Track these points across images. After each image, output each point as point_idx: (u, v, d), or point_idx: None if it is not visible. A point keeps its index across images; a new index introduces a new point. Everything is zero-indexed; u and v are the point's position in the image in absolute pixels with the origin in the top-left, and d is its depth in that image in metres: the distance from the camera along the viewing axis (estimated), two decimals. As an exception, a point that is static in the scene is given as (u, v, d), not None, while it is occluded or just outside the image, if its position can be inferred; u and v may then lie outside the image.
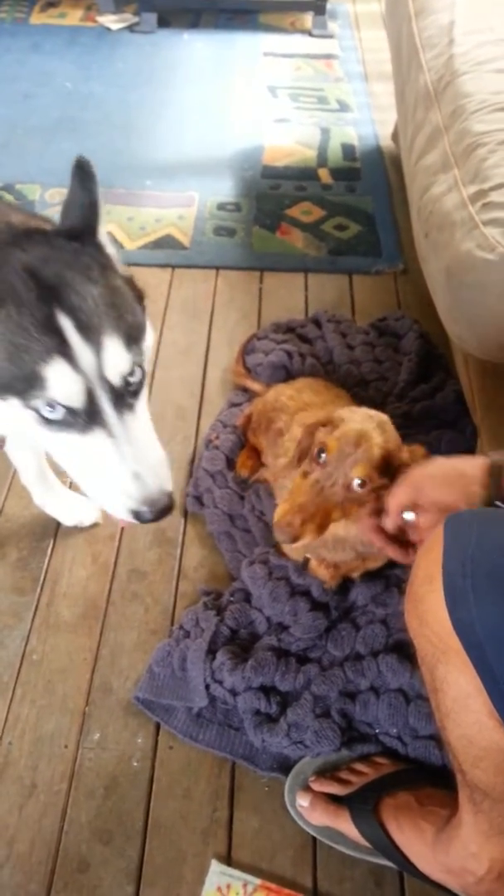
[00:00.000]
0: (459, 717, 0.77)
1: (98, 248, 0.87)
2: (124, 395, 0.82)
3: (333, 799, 1.11)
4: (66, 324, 0.78)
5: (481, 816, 0.87)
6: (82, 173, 0.87)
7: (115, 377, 0.81)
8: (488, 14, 1.71)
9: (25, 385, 0.78)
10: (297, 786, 1.14)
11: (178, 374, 1.78)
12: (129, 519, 0.84)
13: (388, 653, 1.20)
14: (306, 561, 1.28)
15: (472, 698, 0.72)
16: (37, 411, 0.79)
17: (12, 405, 0.79)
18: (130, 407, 0.84)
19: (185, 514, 1.51)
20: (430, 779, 1.10)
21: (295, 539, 0.98)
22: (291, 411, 1.40)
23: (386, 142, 2.51)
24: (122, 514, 0.84)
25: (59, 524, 1.48)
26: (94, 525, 1.48)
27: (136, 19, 3.16)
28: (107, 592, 1.39)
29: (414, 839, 1.03)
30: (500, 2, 1.74)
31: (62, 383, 0.78)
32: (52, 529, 1.48)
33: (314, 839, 1.11)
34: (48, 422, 0.80)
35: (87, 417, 0.80)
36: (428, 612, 0.75)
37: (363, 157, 2.47)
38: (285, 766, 1.17)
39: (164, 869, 1.09)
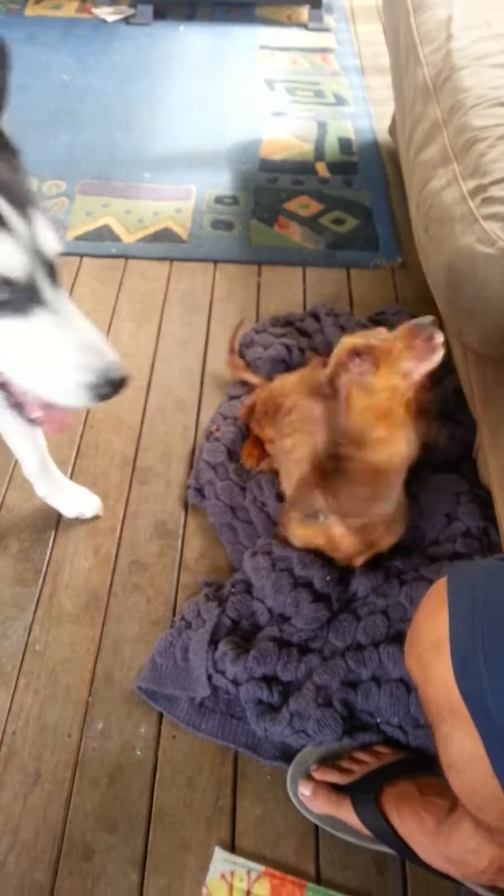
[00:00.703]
0: (463, 773, 0.77)
1: (3, 134, 0.88)
2: (56, 275, 0.80)
3: (335, 788, 1.12)
4: None
5: (482, 828, 0.88)
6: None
7: (49, 251, 0.80)
8: (486, 9, 1.71)
9: None
10: (299, 774, 1.15)
11: (177, 366, 1.78)
12: (84, 401, 0.80)
13: (389, 643, 1.21)
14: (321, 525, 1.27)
15: (476, 760, 0.71)
16: None
17: None
18: (61, 288, 0.81)
19: (186, 505, 1.51)
20: (431, 768, 1.11)
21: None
22: (300, 391, 1.40)
23: (382, 135, 2.52)
24: (77, 396, 0.80)
25: (60, 516, 1.48)
26: (96, 517, 1.48)
27: (131, 11, 3.15)
28: (108, 584, 1.39)
29: (415, 829, 1.04)
30: (498, -3, 1.75)
31: (6, 253, 0.76)
32: (54, 521, 1.48)
33: (317, 827, 1.12)
34: None
35: (27, 296, 0.78)
36: (435, 677, 0.73)
37: (360, 150, 2.47)
38: (287, 754, 1.18)
39: (168, 857, 1.10)
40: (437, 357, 1.06)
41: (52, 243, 0.81)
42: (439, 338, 1.04)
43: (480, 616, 0.69)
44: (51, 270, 0.80)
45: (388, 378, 1.07)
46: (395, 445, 1.13)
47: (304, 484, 1.25)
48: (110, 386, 0.79)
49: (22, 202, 0.79)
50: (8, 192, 0.79)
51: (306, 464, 1.23)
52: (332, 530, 1.25)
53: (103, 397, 0.80)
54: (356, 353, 1.07)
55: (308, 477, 1.23)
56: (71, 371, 0.78)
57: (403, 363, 1.06)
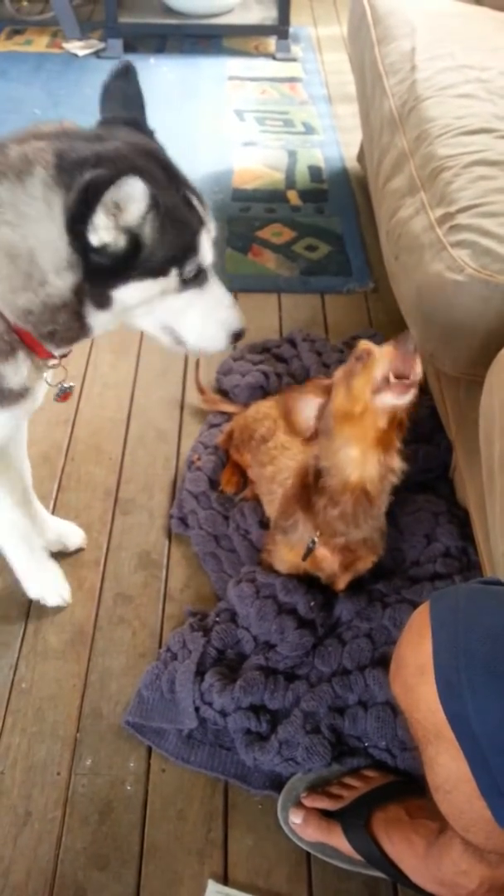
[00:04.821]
0: (450, 795, 0.78)
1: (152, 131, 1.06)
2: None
3: (326, 814, 1.12)
4: (195, 199, 0.98)
5: (471, 849, 0.89)
6: (127, 72, 1.05)
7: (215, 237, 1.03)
8: (447, 41, 1.76)
9: (187, 254, 0.96)
10: (289, 802, 1.15)
11: (157, 396, 1.80)
12: (225, 345, 1.07)
13: (374, 666, 1.22)
14: (309, 551, 1.25)
15: (463, 782, 0.72)
16: (182, 276, 0.97)
17: (169, 277, 0.96)
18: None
19: (170, 535, 1.52)
20: (420, 790, 1.12)
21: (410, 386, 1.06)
22: (274, 417, 1.42)
23: (351, 163, 2.57)
24: (223, 341, 1.07)
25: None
26: (79, 550, 1.49)
27: (102, 45, 3.20)
28: (94, 618, 1.39)
29: (406, 852, 1.04)
30: (458, 29, 1.80)
31: (208, 247, 1.00)
32: (37, 556, 1.48)
33: (309, 854, 1.12)
34: (184, 283, 0.98)
35: (206, 274, 1.02)
36: (420, 701, 0.74)
37: (330, 178, 2.52)
38: (277, 783, 1.18)
39: (160, 892, 1.10)
40: (407, 397, 1.09)
41: (214, 231, 1.01)
42: (415, 372, 1.07)
43: (463, 639, 0.70)
44: None
45: (363, 386, 1.08)
46: (367, 468, 1.14)
47: (287, 499, 1.27)
48: (241, 333, 1.07)
49: (202, 199, 0.99)
50: (196, 193, 0.98)
51: (292, 480, 1.25)
52: (315, 550, 1.26)
53: (235, 341, 1.07)
54: (358, 356, 1.10)
55: (292, 491, 1.24)
56: (222, 324, 1.05)
57: (378, 371, 1.07)
